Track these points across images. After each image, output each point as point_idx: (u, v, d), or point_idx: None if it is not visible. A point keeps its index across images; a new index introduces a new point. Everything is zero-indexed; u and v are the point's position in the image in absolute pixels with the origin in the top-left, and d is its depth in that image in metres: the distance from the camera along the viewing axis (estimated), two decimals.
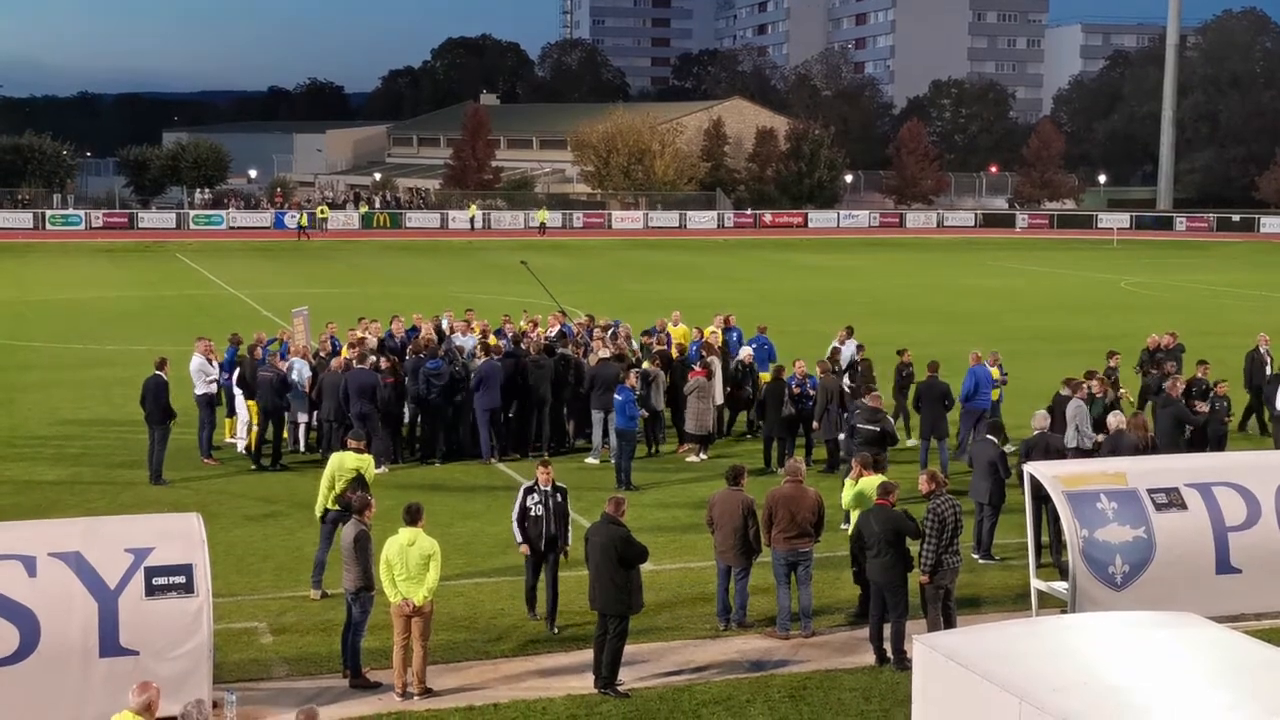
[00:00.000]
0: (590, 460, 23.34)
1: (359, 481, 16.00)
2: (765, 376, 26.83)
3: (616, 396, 22.02)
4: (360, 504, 13.85)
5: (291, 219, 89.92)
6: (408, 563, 13.31)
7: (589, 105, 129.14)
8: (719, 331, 27.28)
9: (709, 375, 23.68)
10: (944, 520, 14.24)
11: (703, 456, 23.54)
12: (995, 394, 22.98)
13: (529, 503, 15.23)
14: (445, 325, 26.69)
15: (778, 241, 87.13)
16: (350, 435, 16.71)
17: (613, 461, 22.81)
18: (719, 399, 24.37)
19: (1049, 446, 17.78)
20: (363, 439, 16.66)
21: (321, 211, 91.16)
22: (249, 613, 15.68)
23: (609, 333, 26.08)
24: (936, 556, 14.23)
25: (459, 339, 25.38)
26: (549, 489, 15.20)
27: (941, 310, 48.02)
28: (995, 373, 21.86)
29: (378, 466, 22.12)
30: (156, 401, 21.59)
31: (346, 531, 13.72)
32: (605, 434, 23.22)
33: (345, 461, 16.16)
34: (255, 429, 23.27)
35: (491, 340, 24.61)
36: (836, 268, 66.98)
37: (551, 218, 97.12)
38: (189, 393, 23.77)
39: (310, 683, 13.61)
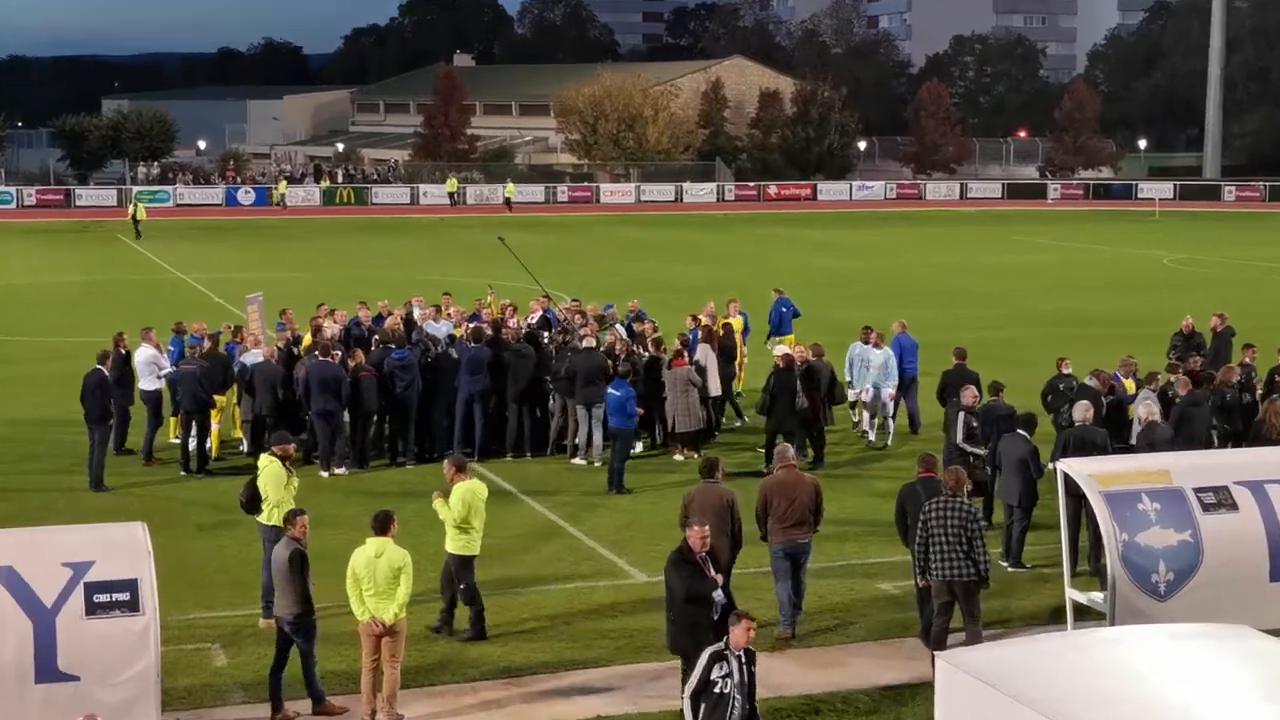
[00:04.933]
0: (578, 461, 23.35)
1: (250, 485, 15.93)
2: (790, 340, 27.00)
3: (613, 391, 21.97)
4: (288, 518, 13.77)
5: (247, 195, 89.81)
6: (376, 576, 13.29)
7: (574, 66, 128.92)
8: (733, 317, 27.38)
9: (692, 365, 23.61)
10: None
11: (696, 455, 23.51)
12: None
13: (715, 674, 11.21)
14: (417, 313, 26.68)
15: (784, 216, 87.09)
16: (276, 440, 16.47)
17: (596, 462, 22.83)
18: (715, 389, 24.37)
19: (1087, 441, 17.77)
20: (290, 443, 16.43)
21: (280, 187, 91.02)
22: (201, 633, 15.67)
23: (609, 323, 25.99)
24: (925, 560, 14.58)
25: (431, 327, 25.36)
26: (742, 657, 11.30)
27: (965, 291, 48.06)
28: (1130, 385, 21.46)
29: (337, 466, 22.15)
30: (96, 399, 21.53)
31: (278, 551, 13.65)
32: (592, 432, 23.20)
33: (265, 467, 15.99)
34: (217, 429, 23.33)
35: (458, 332, 24.54)
36: (848, 244, 66.96)
37: (533, 191, 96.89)
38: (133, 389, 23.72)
39: (269, 710, 13.60)
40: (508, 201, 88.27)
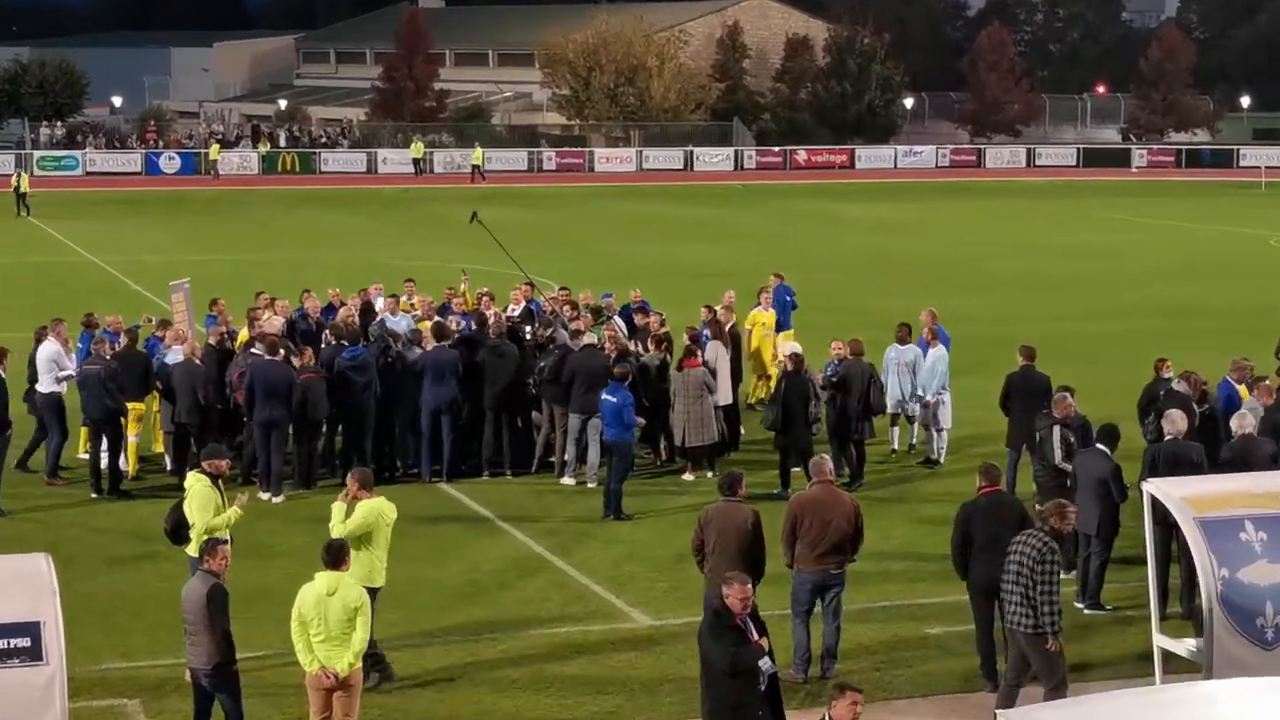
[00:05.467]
0: (566, 481, 23.36)
1: (176, 509, 15.95)
2: (788, 336, 27.06)
3: (608, 397, 21.96)
4: (203, 548, 13.77)
5: (171, 161, 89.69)
6: (327, 618, 13.30)
7: (562, 7, 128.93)
8: (766, 310, 27.39)
9: (704, 365, 23.62)
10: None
11: (710, 474, 23.51)
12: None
13: None
14: (380, 303, 26.64)
15: (814, 187, 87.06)
16: (206, 454, 16.44)
17: (591, 482, 22.87)
18: (725, 397, 24.36)
19: (1180, 458, 17.75)
20: (223, 459, 16.42)
21: (211, 152, 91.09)
22: (116, 686, 15.68)
23: (606, 315, 26.00)
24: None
25: (391, 321, 25.37)
26: None
27: (1031, 277, 48.06)
28: (1245, 392, 21.37)
29: (277, 494, 22.16)
30: None
31: (192, 587, 13.62)
32: (588, 446, 23.21)
33: (192, 486, 15.98)
34: (135, 443, 23.37)
35: (423, 326, 24.49)
36: (893, 221, 66.94)
37: (514, 158, 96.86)
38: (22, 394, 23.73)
39: None
40: (477, 170, 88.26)
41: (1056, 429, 19.12)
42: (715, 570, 15.51)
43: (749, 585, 12.76)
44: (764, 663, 12.62)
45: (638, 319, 26.47)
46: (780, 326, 28.40)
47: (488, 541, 20.77)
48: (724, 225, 64.74)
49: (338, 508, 15.49)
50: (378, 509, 15.37)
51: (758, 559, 15.39)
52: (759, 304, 28.04)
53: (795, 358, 23.09)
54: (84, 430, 23.63)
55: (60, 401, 23.18)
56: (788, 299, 29.37)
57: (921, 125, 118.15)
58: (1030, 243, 58.38)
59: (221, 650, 13.43)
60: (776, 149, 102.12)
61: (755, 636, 12.70)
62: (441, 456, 23.51)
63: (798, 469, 21.91)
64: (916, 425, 25.19)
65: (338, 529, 15.23)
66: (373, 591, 15.02)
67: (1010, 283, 46.70)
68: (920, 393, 24.57)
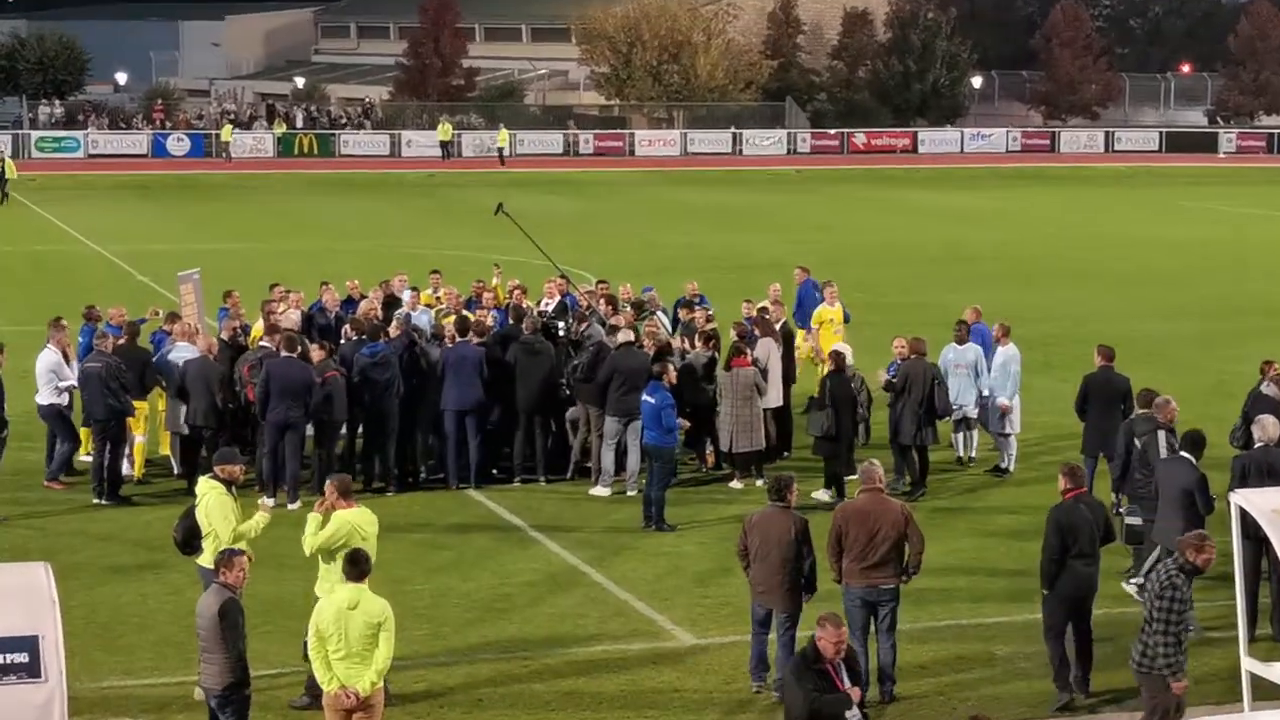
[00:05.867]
0: (599, 490, 23.35)
1: (188, 517, 15.95)
2: (800, 338, 27.02)
3: (647, 399, 21.98)
4: (219, 560, 13.77)
5: (180, 143, 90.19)
6: (348, 634, 13.33)
7: None
8: (832, 306, 27.55)
9: (754, 364, 23.60)
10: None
11: (759, 483, 23.49)
12: None
13: None
14: (406, 296, 26.65)
15: (874, 173, 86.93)
16: (219, 459, 16.44)
17: (630, 490, 22.90)
18: (775, 399, 24.32)
19: (1273, 468, 17.62)
20: (236, 463, 16.39)
21: (223, 133, 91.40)
22: (119, 705, 15.71)
23: (649, 310, 25.96)
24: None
25: (413, 316, 25.38)
26: None
27: (1108, 272, 47.88)
28: None
29: (292, 501, 22.20)
30: None
31: (206, 602, 13.66)
32: (624, 451, 23.23)
33: (205, 494, 15.94)
34: (141, 443, 23.48)
35: (445, 322, 24.51)
36: (959, 211, 66.79)
37: (549, 141, 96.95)
38: (29, 389, 23.92)
39: None
40: (500, 155, 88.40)
41: (1161, 434, 18.95)
42: (757, 579, 15.78)
43: (844, 629, 12.72)
44: (852, 713, 12.50)
45: (682, 314, 26.47)
46: (807, 322, 28.33)
47: (519, 552, 20.79)
48: (775, 214, 64.66)
49: (314, 519, 15.41)
50: (351, 521, 15.24)
51: (802, 571, 15.46)
52: (823, 299, 27.91)
53: (837, 356, 23.08)
54: (85, 431, 23.74)
55: (62, 412, 23.34)
56: (816, 294, 29.34)
57: (990, 106, 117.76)
58: (1108, 234, 58.17)
59: (234, 671, 13.45)
60: (833, 131, 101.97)
61: (845, 684, 12.58)
62: (469, 461, 23.55)
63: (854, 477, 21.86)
64: (976, 433, 25.06)
65: (308, 541, 15.24)
66: None
67: (1086, 277, 46.51)
68: (987, 395, 24.42)
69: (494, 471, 23.91)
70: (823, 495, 22.45)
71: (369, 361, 22.94)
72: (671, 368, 22.44)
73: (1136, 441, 19.31)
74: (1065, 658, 15.91)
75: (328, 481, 16.06)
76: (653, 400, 21.85)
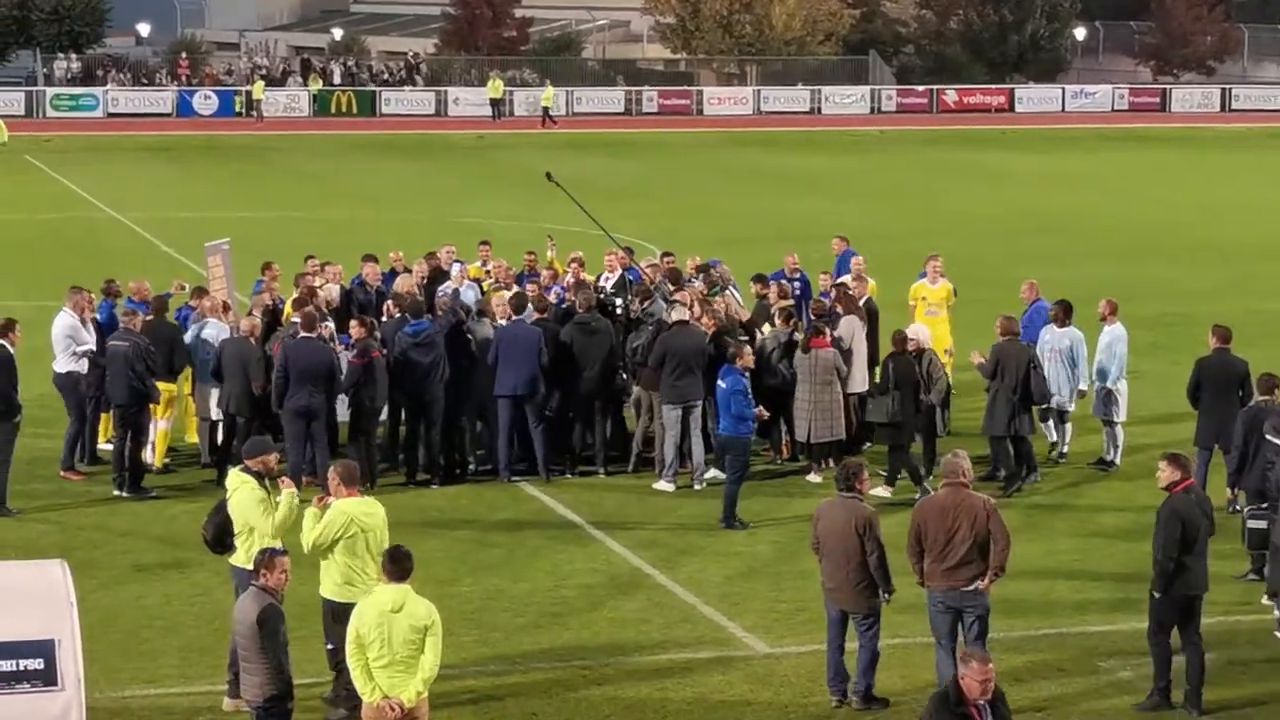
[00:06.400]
0: (663, 485, 23.39)
1: (218, 512, 16.09)
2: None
3: (720, 384, 22.06)
4: (257, 561, 13.85)
5: (207, 101, 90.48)
6: (391, 639, 13.42)
7: None
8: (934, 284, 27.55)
9: (836, 345, 23.61)
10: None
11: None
12: None
13: None
14: (455, 270, 26.69)
15: (966, 134, 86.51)
16: (250, 449, 16.47)
17: (697, 484, 23.04)
18: (862, 383, 24.31)
19: None
20: (270, 453, 16.42)
21: (254, 90, 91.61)
22: (141, 716, 15.85)
23: (720, 285, 25.94)
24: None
25: (462, 291, 25.49)
26: None
27: (1226, 244, 47.62)
28: None
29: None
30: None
31: (244, 607, 13.76)
32: (691, 441, 23.32)
33: (237, 488, 16.04)
34: (165, 429, 23.68)
35: (495, 297, 24.49)
36: (1060, 176, 66.44)
37: (609, 98, 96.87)
38: (45, 371, 24.11)
39: None
40: (546, 114, 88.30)
41: None
42: (825, 575, 15.95)
43: (990, 666, 12.43)
44: None
45: (755, 288, 26.39)
46: None
47: (576, 551, 20.88)
48: (857, 179, 64.54)
49: (311, 513, 15.44)
50: (349, 512, 15.29)
51: (867, 569, 15.56)
52: (924, 275, 27.88)
53: (901, 336, 23.10)
54: (105, 417, 23.91)
55: (79, 383, 23.46)
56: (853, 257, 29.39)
57: (1095, 61, 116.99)
58: (1224, 203, 57.80)
59: (276, 683, 13.54)
60: (921, 88, 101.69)
61: None
62: (525, 451, 23.59)
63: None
64: (1070, 425, 24.96)
65: (305, 537, 15.32)
66: (348, 607, 15.08)
67: (1200, 250, 46.34)
68: (1094, 380, 24.35)
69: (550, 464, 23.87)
70: (883, 492, 22.37)
71: (411, 341, 22.94)
72: (747, 350, 22.43)
73: (1266, 433, 19.09)
74: (1170, 660, 15.94)
75: (330, 469, 16.17)
76: (724, 385, 21.87)
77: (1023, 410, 22.92)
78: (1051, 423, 24.89)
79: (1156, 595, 15.93)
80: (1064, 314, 24.50)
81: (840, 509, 15.71)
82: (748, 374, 22.07)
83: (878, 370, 24.25)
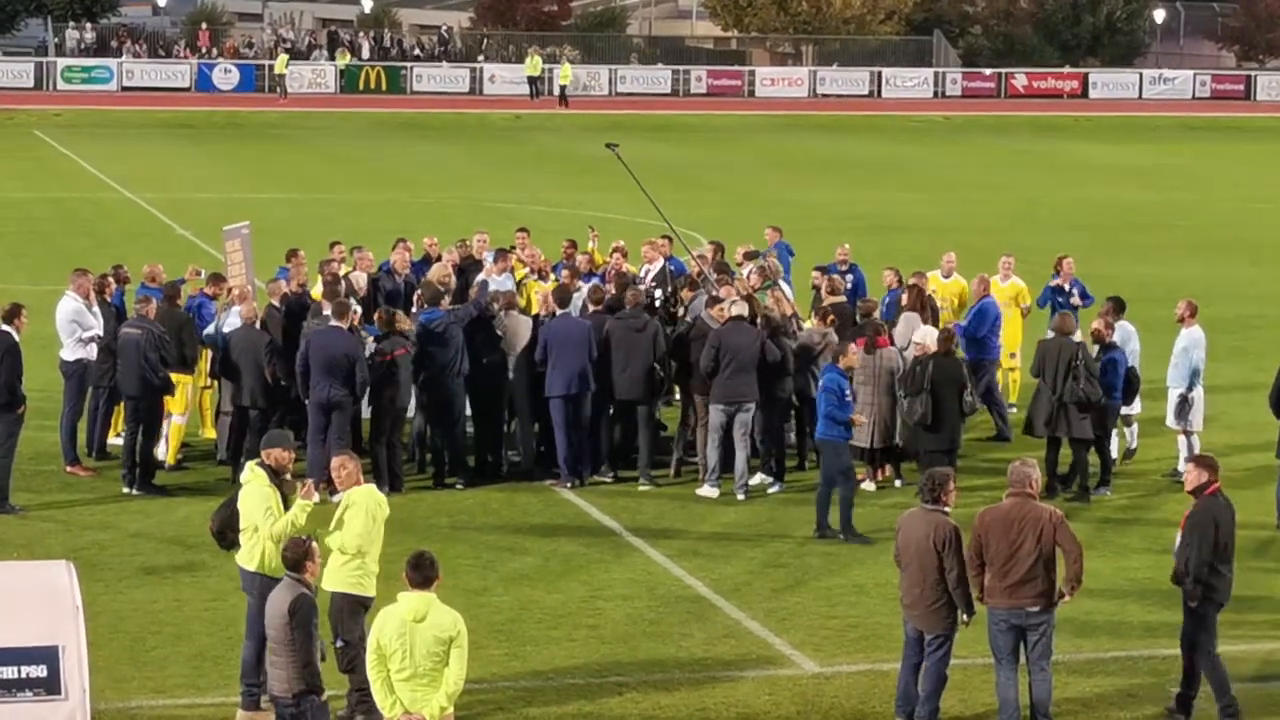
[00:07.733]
0: (707, 491, 23.32)
1: (228, 505, 16.10)
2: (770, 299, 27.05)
3: (821, 382, 21.95)
4: (297, 552, 13.85)
5: (228, 75, 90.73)
6: (413, 651, 13.39)
7: None
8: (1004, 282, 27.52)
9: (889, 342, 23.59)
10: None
11: (898, 483, 23.54)
12: None
13: None
14: (489, 259, 26.60)
15: (1036, 121, 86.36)
16: (267, 442, 16.48)
17: (740, 494, 22.97)
18: None
19: None
20: (288, 448, 16.41)
21: (278, 64, 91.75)
22: None
23: (771, 278, 25.90)
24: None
25: (494, 281, 25.33)
26: None
27: None
28: None
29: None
30: (3, 376, 21.87)
31: (277, 598, 13.79)
32: (736, 446, 23.22)
33: (248, 482, 16.03)
34: (180, 423, 23.71)
35: (532, 288, 24.35)
36: (1136, 167, 66.30)
37: (655, 78, 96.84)
38: (51, 359, 24.13)
39: None
40: (563, 94, 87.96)
41: None
42: (902, 591, 15.86)
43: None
44: None
45: (814, 278, 26.40)
46: None
47: (613, 560, 20.83)
48: (919, 168, 64.43)
49: (301, 505, 15.45)
50: (368, 501, 15.50)
51: (945, 586, 15.44)
52: (998, 273, 27.74)
53: (945, 336, 23.03)
54: (117, 410, 23.91)
55: (84, 370, 23.43)
56: (790, 259, 29.43)
57: (1175, 44, 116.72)
58: None
59: (305, 677, 13.57)
60: (988, 72, 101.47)
61: None
62: (573, 453, 23.44)
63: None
64: (1135, 429, 24.84)
65: (333, 539, 15.33)
66: (364, 602, 15.29)
67: None
68: (1169, 387, 24.23)
69: (604, 466, 23.86)
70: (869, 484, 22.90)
71: (423, 330, 22.94)
72: (851, 348, 22.29)
73: None
74: (1227, 676, 15.96)
75: (335, 457, 16.22)
76: (825, 381, 21.82)
77: (1066, 411, 22.74)
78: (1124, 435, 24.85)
79: (1193, 605, 15.84)
80: (1116, 310, 24.41)
81: (921, 521, 15.58)
82: (849, 373, 22.01)
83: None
